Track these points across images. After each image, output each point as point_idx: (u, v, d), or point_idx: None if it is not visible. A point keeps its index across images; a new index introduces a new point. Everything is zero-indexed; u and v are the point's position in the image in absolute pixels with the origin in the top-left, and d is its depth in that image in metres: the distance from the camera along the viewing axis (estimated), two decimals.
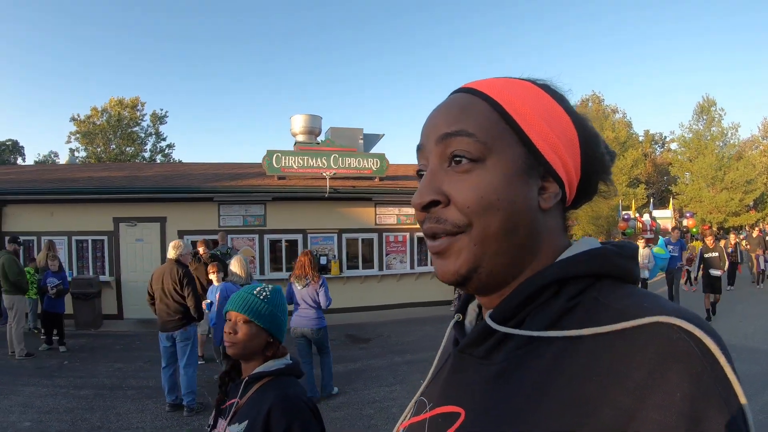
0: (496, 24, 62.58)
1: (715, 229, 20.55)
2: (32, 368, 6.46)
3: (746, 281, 13.96)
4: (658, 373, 0.39)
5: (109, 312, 9.41)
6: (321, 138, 12.95)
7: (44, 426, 4.52)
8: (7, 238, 9.20)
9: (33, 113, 52.82)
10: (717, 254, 8.80)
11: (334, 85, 66.10)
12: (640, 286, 0.51)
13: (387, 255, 10.87)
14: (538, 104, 0.53)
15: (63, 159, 34.42)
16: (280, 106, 62.95)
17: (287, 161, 9.86)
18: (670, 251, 9.51)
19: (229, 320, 1.46)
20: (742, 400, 0.40)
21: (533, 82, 0.56)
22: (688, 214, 22.56)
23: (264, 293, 1.48)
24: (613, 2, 53.97)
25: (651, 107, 59.37)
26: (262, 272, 9.71)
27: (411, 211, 9.12)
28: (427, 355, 4.73)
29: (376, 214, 10.76)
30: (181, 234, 9.36)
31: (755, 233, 16.03)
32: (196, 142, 61.41)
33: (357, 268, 10.59)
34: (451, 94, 0.58)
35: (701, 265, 9.01)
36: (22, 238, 9.09)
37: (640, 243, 9.43)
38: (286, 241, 10.10)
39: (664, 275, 9.73)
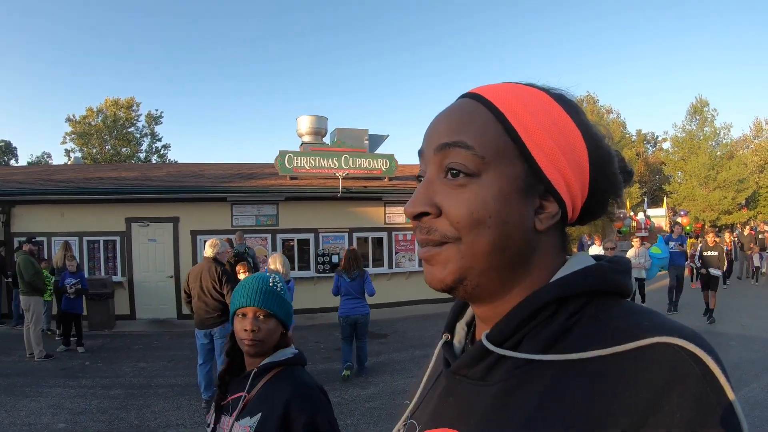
0: (493, 24, 62.94)
1: (707, 227, 20.90)
2: (54, 369, 6.43)
3: (733, 278, 14.13)
4: (660, 394, 0.39)
5: (121, 312, 9.41)
6: (326, 139, 13.04)
7: (80, 426, 4.53)
8: (17, 239, 9.20)
9: (25, 114, 52.17)
10: (717, 253, 8.65)
11: (335, 85, 66.01)
12: (636, 286, 0.52)
13: (396, 253, 11.00)
14: (547, 118, 0.51)
15: (56, 160, 34.05)
16: (278, 107, 62.78)
17: (299, 162, 9.96)
18: (672, 248, 9.49)
19: (245, 316, 1.34)
20: (741, 420, 0.40)
21: (547, 91, 0.53)
22: (681, 213, 23.02)
23: (279, 284, 1.41)
24: (613, 3, 54.65)
25: (643, 107, 60.16)
26: None
27: None
28: None
29: (385, 214, 10.89)
30: (194, 234, 9.40)
31: (746, 231, 16.42)
32: (192, 143, 61.09)
33: (367, 266, 10.69)
34: (459, 97, 0.56)
35: (700, 264, 8.85)
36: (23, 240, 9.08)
37: (635, 241, 9.39)
38: (298, 240, 10.18)
39: (667, 272, 9.61)
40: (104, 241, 9.62)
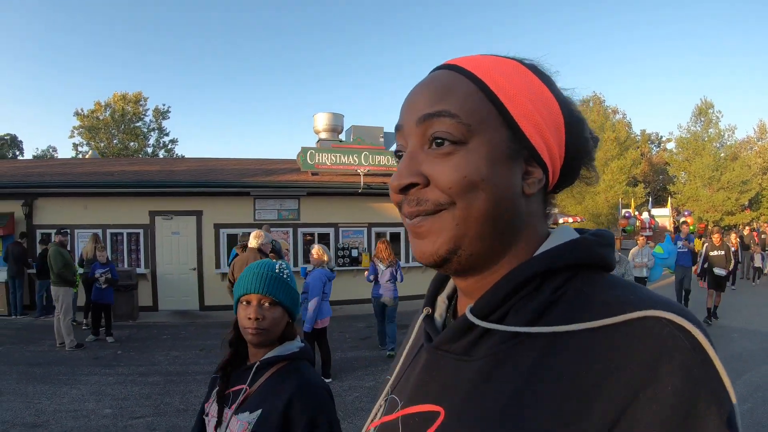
0: (501, 22, 63.06)
1: (711, 227, 21.08)
2: (88, 359, 6.52)
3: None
4: (650, 367, 0.39)
5: (144, 304, 9.56)
6: (342, 136, 13.18)
7: (127, 411, 4.63)
8: (39, 231, 9.32)
9: (30, 108, 52.20)
10: (723, 252, 8.50)
11: (344, 77, 66.06)
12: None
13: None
14: (525, 86, 0.51)
15: (62, 153, 34.13)
16: (281, 103, 62.91)
17: (321, 158, 10.12)
18: (679, 247, 9.28)
19: (249, 303, 1.27)
20: (730, 391, 0.40)
21: (520, 61, 0.54)
22: (685, 213, 23.20)
23: (285, 271, 1.33)
24: (616, 3, 54.74)
25: (646, 107, 60.38)
26: (296, 264, 9.97)
27: None
28: None
29: None
30: (217, 227, 9.55)
31: (746, 232, 16.56)
32: (199, 138, 61.25)
33: None
34: (433, 70, 0.55)
35: (705, 263, 8.69)
36: (53, 232, 9.18)
37: (640, 240, 9.31)
38: (319, 234, 10.37)
39: (672, 274, 9.51)
40: (128, 233, 9.77)
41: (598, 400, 0.40)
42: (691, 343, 0.40)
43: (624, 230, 19.80)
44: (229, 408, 1.23)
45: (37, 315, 9.02)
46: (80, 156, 28.31)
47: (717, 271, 8.42)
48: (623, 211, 21.45)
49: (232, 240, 9.73)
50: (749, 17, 46.53)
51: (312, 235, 10.34)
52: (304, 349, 1.33)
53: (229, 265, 8.44)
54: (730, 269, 8.99)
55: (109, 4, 46.84)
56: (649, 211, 22.20)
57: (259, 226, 9.14)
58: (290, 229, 10.13)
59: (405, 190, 0.51)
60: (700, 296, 9.96)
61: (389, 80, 67.81)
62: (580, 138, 0.54)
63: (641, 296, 0.44)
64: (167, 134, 31.87)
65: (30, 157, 32.28)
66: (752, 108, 53.10)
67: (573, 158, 0.54)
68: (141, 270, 9.66)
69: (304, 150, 10.09)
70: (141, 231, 9.75)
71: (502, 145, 0.50)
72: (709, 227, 20.51)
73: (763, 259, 14.15)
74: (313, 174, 10.31)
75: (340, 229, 10.48)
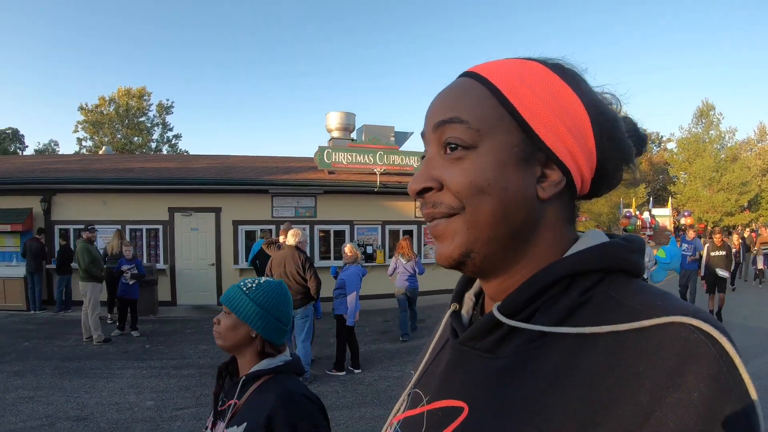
0: (504, 18, 63.16)
1: (710, 227, 21.34)
2: (117, 353, 6.62)
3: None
4: (676, 373, 0.39)
5: (163, 299, 9.71)
6: (353, 134, 13.35)
7: (169, 403, 4.74)
8: (58, 227, 9.44)
9: (32, 102, 51.96)
10: (724, 253, 8.34)
11: (352, 72, 65.97)
12: None
13: (425, 245, 11.45)
14: (543, 87, 0.51)
15: (64, 148, 34.08)
16: (283, 100, 62.82)
17: (337, 157, 10.31)
18: (684, 249, 9.08)
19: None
20: (755, 400, 0.40)
21: (544, 62, 0.53)
22: (685, 213, 23.50)
23: (249, 285, 1.39)
24: (618, 3, 54.91)
25: (646, 106, 60.71)
26: None
27: None
28: None
29: (416, 208, 11.28)
30: (235, 224, 9.72)
31: (746, 233, 16.67)
32: (202, 133, 61.14)
33: None
34: (458, 77, 0.56)
35: (706, 265, 8.50)
36: (72, 227, 9.34)
37: None
38: (335, 231, 10.59)
39: (676, 276, 9.36)
40: (147, 229, 9.92)
41: (623, 404, 0.40)
42: (718, 351, 0.40)
43: (625, 230, 20.07)
44: (224, 422, 1.29)
45: (56, 310, 9.16)
46: (84, 151, 28.37)
47: (720, 273, 8.29)
48: (624, 210, 21.73)
49: (249, 236, 9.92)
50: (750, 18, 46.87)
51: (328, 232, 10.55)
52: (290, 362, 1.38)
53: (248, 260, 8.65)
54: (731, 270, 8.96)
55: None
56: (649, 211, 22.49)
57: (276, 223, 9.36)
58: (307, 226, 10.32)
59: (421, 193, 0.54)
60: (705, 298, 10.20)
61: (400, 80, 67.89)
62: (612, 138, 0.53)
63: (669, 302, 0.44)
64: (171, 129, 31.93)
65: (32, 152, 32.27)
66: (752, 109, 53.56)
67: (607, 160, 0.53)
68: (160, 265, 9.81)
69: (321, 149, 10.30)
70: (160, 227, 9.91)
71: (513, 148, 0.50)
72: (709, 227, 20.86)
73: (765, 261, 14.11)
74: (329, 172, 10.51)
75: (356, 226, 10.71)
